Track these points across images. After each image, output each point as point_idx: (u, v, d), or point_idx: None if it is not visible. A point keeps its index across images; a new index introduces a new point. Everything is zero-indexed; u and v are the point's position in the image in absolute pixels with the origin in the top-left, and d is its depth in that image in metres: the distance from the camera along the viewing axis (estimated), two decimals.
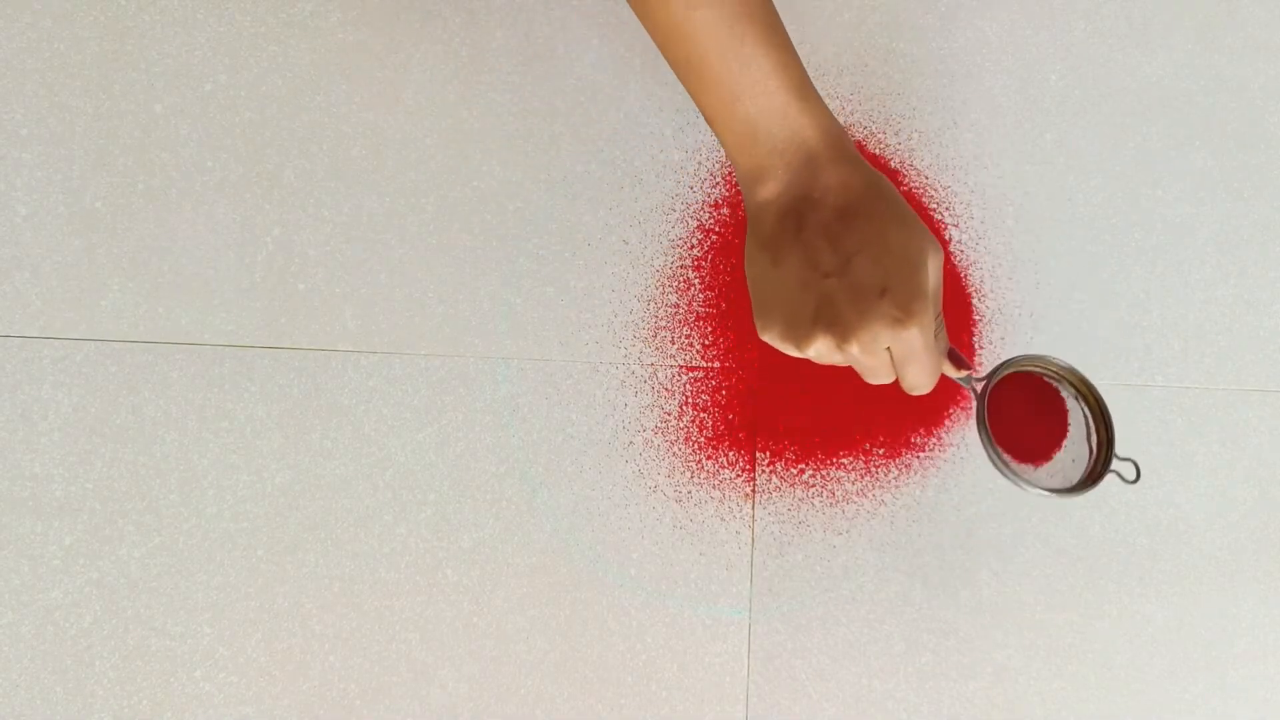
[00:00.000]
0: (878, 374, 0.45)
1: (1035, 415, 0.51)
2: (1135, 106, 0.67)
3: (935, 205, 0.65)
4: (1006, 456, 0.48)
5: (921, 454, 0.62)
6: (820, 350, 0.44)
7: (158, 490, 0.57)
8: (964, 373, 0.48)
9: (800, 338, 0.44)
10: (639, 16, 0.45)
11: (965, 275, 0.64)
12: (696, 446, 0.61)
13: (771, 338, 0.45)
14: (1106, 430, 0.50)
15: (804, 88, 0.44)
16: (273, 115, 0.61)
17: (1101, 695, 0.61)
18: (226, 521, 0.57)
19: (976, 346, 0.64)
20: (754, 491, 0.61)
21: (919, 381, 0.45)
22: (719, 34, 0.42)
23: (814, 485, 0.61)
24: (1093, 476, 0.49)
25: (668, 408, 0.61)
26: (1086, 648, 0.61)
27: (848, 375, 0.62)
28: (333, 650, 0.57)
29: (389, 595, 0.58)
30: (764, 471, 0.61)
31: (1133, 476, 0.50)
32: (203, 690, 0.56)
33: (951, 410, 0.63)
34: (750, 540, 0.60)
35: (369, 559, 0.58)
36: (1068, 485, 0.49)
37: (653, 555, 0.60)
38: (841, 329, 0.42)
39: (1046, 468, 0.50)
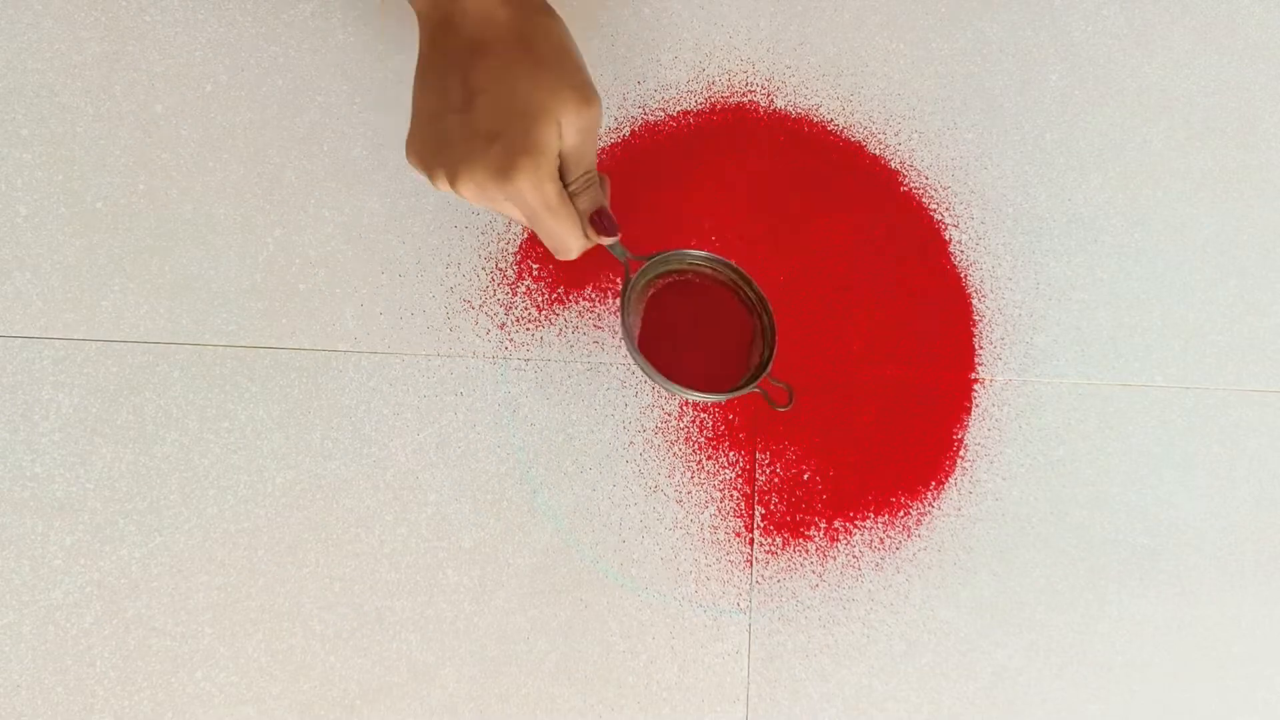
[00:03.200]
0: (515, 219, 0.44)
1: (698, 320, 0.48)
2: (1135, 106, 0.67)
3: (935, 205, 0.65)
4: (636, 343, 0.46)
5: (924, 456, 0.62)
6: (442, 187, 0.43)
7: (158, 490, 0.57)
8: (610, 240, 0.45)
9: (427, 168, 0.43)
10: None
11: (965, 275, 0.64)
12: (696, 447, 0.61)
13: (413, 164, 0.44)
14: (770, 349, 0.48)
15: None
16: (273, 116, 0.61)
17: (1101, 695, 0.61)
18: (227, 521, 0.57)
19: (977, 347, 0.64)
20: (754, 493, 0.61)
21: (549, 242, 0.44)
22: None
23: (814, 485, 0.61)
24: (736, 388, 0.47)
25: (668, 408, 0.61)
26: (1086, 648, 0.61)
27: (848, 376, 0.62)
28: (333, 650, 0.57)
29: (389, 595, 0.58)
30: (764, 472, 0.61)
31: (786, 402, 0.49)
32: (203, 690, 0.56)
33: (957, 415, 0.63)
34: (750, 541, 0.60)
35: (369, 559, 0.58)
36: (710, 390, 0.46)
37: (653, 555, 0.60)
38: (450, 167, 0.41)
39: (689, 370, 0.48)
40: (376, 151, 0.61)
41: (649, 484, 0.60)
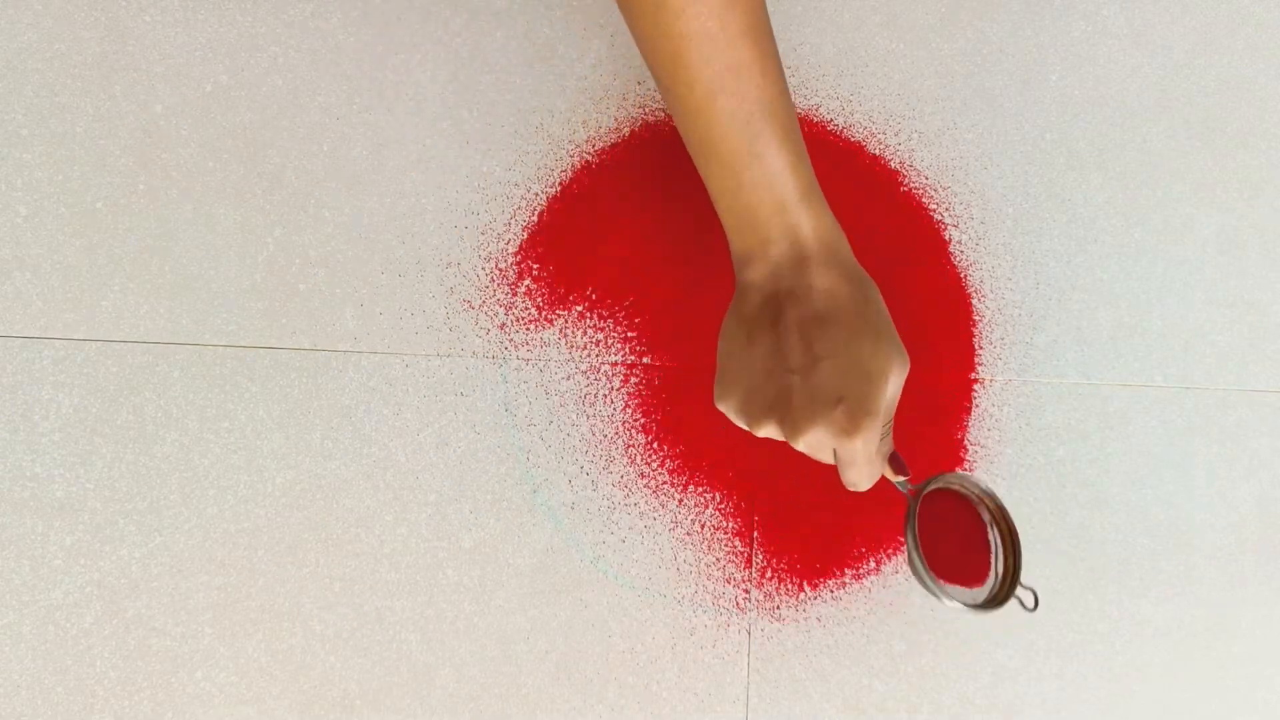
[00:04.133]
0: (821, 460, 0.47)
1: (958, 532, 0.55)
2: (1135, 106, 0.67)
3: (935, 205, 0.65)
4: (926, 565, 0.51)
5: (924, 456, 0.62)
6: (768, 434, 0.46)
7: (158, 490, 0.57)
8: (901, 478, 0.50)
9: (753, 418, 0.46)
10: (661, 91, 0.46)
11: (965, 275, 0.64)
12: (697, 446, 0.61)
13: (726, 408, 0.47)
14: (1015, 559, 0.53)
15: (808, 191, 0.46)
16: (273, 116, 0.61)
17: (1101, 695, 0.61)
18: (227, 521, 0.57)
19: (977, 347, 0.64)
20: (754, 491, 0.61)
21: (856, 482, 0.48)
22: (734, 126, 0.44)
23: (814, 484, 0.61)
24: (994, 601, 0.53)
25: (669, 407, 0.61)
26: (1086, 648, 0.61)
27: None
28: (333, 650, 0.57)
29: (389, 595, 0.58)
30: (765, 471, 0.61)
31: (1032, 605, 0.53)
32: (203, 690, 0.56)
33: (957, 415, 0.63)
34: (751, 540, 0.60)
35: (369, 559, 0.58)
36: (973, 603, 0.52)
37: (653, 555, 0.60)
38: (792, 424, 0.44)
39: (958, 585, 0.54)
40: (376, 151, 0.61)
41: (649, 484, 0.60)
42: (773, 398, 0.45)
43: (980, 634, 0.61)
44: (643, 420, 0.61)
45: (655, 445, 0.61)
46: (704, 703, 0.59)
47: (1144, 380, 0.64)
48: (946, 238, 0.65)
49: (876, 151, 0.65)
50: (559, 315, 0.61)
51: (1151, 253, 0.66)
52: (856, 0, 0.66)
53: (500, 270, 0.61)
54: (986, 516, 0.54)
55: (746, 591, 0.60)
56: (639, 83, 0.64)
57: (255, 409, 0.58)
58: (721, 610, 0.60)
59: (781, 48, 0.65)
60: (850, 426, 0.43)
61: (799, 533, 0.61)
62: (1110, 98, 0.67)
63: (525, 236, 0.62)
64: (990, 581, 0.54)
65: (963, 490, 0.54)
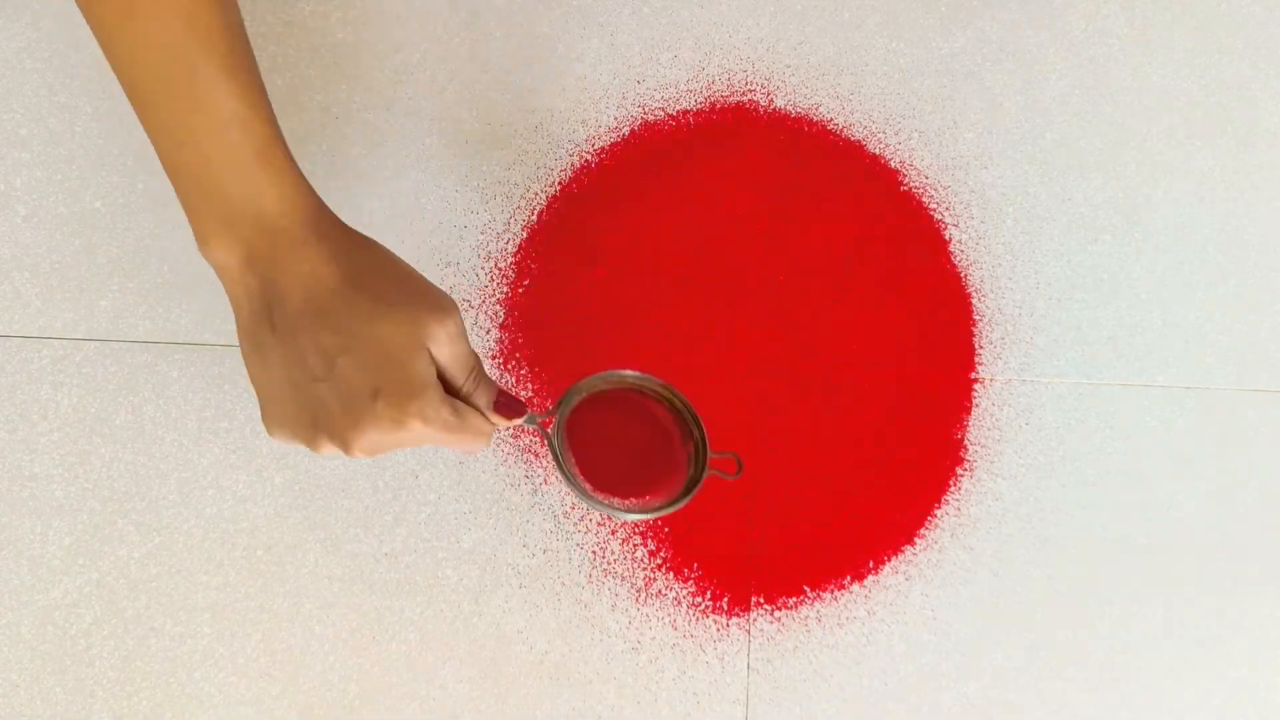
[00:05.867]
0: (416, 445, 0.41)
1: (624, 436, 0.48)
2: (1135, 106, 0.67)
3: (935, 205, 0.65)
4: (595, 493, 0.44)
5: (924, 456, 0.62)
6: (328, 452, 0.39)
7: (157, 490, 0.57)
8: (518, 420, 0.43)
9: (309, 441, 0.39)
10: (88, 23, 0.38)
11: (965, 275, 0.64)
12: None
13: (284, 439, 0.40)
14: (697, 429, 0.47)
15: (268, 145, 0.38)
16: None
17: (1101, 695, 0.61)
18: (226, 521, 0.57)
19: (977, 346, 0.64)
20: (755, 490, 0.61)
21: (459, 450, 0.41)
22: (163, 59, 0.35)
23: (814, 484, 0.61)
24: (691, 484, 0.46)
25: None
26: (1086, 648, 0.61)
27: (848, 377, 0.62)
28: (333, 650, 0.57)
29: (389, 595, 0.58)
30: (765, 471, 0.61)
31: (735, 471, 0.46)
32: (203, 690, 0.56)
33: (957, 415, 0.63)
34: (750, 541, 0.60)
35: (369, 559, 0.58)
36: (669, 501, 0.45)
37: (653, 555, 0.60)
38: (340, 438, 0.38)
39: (645, 487, 0.47)
40: (376, 151, 0.61)
41: None
42: (311, 414, 0.38)
43: (980, 634, 0.61)
44: None
45: None
46: (704, 703, 0.59)
47: (1144, 380, 0.64)
48: (946, 237, 0.65)
49: (876, 151, 0.65)
50: (559, 314, 0.61)
51: (1151, 253, 0.66)
52: (856, 0, 0.66)
53: (500, 270, 0.61)
54: (652, 400, 0.47)
55: (746, 592, 0.60)
56: (638, 82, 0.64)
57: (254, 408, 0.58)
58: (721, 610, 0.60)
59: (782, 47, 0.65)
60: (399, 416, 0.37)
61: (799, 533, 0.61)
62: (1110, 98, 0.67)
63: (525, 236, 0.62)
64: (689, 466, 0.47)
65: (610, 387, 0.46)
